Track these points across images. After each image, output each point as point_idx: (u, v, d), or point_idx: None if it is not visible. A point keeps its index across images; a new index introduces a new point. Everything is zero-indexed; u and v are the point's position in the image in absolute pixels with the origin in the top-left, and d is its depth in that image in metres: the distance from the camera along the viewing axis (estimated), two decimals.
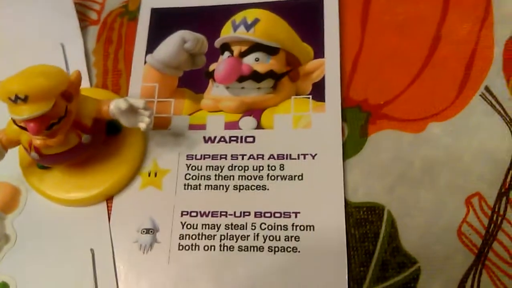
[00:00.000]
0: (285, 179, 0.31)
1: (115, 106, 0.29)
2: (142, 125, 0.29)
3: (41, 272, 0.30)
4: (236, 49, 0.35)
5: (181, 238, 0.31)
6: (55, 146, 0.28)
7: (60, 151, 0.29)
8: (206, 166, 0.32)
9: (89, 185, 0.31)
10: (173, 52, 0.35)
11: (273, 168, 0.32)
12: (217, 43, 0.35)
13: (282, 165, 0.32)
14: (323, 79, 0.34)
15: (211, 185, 0.32)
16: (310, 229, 0.30)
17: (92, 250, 0.31)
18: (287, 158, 0.32)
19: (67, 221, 0.31)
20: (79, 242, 0.31)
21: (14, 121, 0.27)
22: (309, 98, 0.33)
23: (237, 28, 0.35)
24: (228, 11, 0.36)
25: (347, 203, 0.31)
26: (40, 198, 0.32)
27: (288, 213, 0.31)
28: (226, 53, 0.35)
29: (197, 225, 0.31)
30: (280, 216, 0.31)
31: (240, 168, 0.32)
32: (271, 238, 0.30)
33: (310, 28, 0.35)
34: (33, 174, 0.32)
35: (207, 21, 0.36)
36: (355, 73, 0.34)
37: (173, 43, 0.35)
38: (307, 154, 0.32)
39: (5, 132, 0.29)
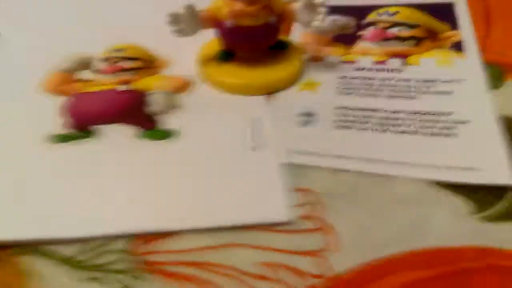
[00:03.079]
0: (434, 94, 0.33)
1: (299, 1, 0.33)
2: (316, 23, 0.33)
3: (202, 128, 0.31)
4: (380, 25, 0.40)
5: (336, 121, 0.32)
6: (250, 15, 0.31)
7: (251, 24, 0.32)
8: (358, 82, 0.34)
9: (255, 78, 0.34)
10: (325, 26, 0.40)
11: (421, 87, 0.34)
12: (364, 22, 0.40)
13: (429, 86, 0.34)
14: (460, 42, 0.37)
15: (363, 93, 0.34)
16: (465, 123, 0.31)
17: (253, 120, 0.31)
18: (435, 82, 0.34)
19: (231, 102, 0.33)
20: (241, 115, 0.32)
21: None
22: (449, 50, 0.37)
23: (381, 16, 0.41)
24: (374, 8, 0.42)
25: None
26: (208, 88, 0.34)
27: (440, 112, 0.32)
28: (372, 27, 0.40)
29: (351, 115, 0.32)
30: (432, 115, 0.31)
31: (389, 85, 0.34)
32: (423, 126, 0.31)
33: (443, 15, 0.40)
34: (210, 66, 0.35)
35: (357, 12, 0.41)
36: (487, 38, 0.38)
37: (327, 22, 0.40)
38: (454, 80, 0.34)
39: (208, 9, 0.33)
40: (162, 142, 0.30)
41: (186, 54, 0.36)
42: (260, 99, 0.33)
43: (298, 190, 0.27)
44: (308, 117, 0.32)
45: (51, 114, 0.32)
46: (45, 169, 0.29)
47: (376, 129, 0.31)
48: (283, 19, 0.34)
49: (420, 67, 0.35)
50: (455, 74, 0.34)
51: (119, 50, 0.37)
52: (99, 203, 0.27)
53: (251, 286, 0.23)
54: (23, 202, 0.27)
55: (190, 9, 0.32)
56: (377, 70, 0.36)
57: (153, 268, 0.24)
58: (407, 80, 0.34)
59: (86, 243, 0.25)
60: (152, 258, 0.24)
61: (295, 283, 0.23)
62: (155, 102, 0.33)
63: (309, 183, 0.28)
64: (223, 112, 0.32)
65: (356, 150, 0.29)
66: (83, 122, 0.32)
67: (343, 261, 0.24)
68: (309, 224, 0.25)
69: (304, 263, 0.24)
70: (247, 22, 0.32)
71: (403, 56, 0.37)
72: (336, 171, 0.28)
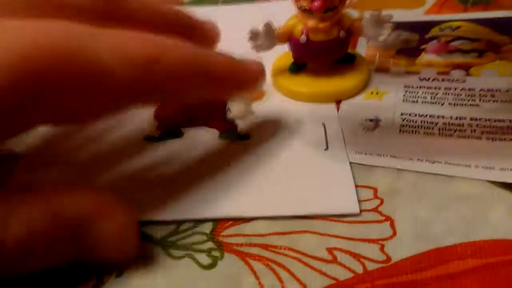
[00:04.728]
0: (497, 102, 0.34)
1: (367, 17, 0.35)
2: (382, 37, 0.35)
3: (275, 131, 0.34)
4: (443, 39, 0.41)
5: (402, 126, 0.33)
6: (322, 30, 0.34)
7: (323, 39, 0.35)
8: (422, 91, 0.36)
9: (324, 87, 0.36)
10: (389, 40, 0.42)
11: (485, 95, 0.35)
12: (427, 36, 0.42)
13: (493, 95, 0.35)
14: None
15: (428, 101, 0.35)
16: None
17: (323, 124, 0.34)
18: (497, 91, 0.35)
19: (301, 109, 0.36)
20: (312, 119, 0.35)
21: (299, 8, 0.34)
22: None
23: (443, 31, 0.42)
24: (436, 23, 0.44)
25: None
26: (280, 97, 0.37)
27: (503, 120, 0.33)
28: (435, 41, 0.42)
29: (416, 120, 0.34)
30: (496, 121, 0.33)
31: (453, 94, 0.35)
32: (489, 132, 0.32)
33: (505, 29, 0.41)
34: (283, 77, 0.38)
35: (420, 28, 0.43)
36: None
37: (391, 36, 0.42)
38: None
39: (283, 26, 0.36)
40: (238, 142, 0.34)
41: None
42: (329, 106, 0.36)
43: (363, 187, 0.29)
44: (375, 122, 0.34)
45: (147, 118, 0.36)
46: (143, 163, 0.33)
47: (440, 134, 0.32)
48: (351, 33, 0.36)
49: (482, 78, 0.37)
50: None
51: None
52: (186, 192, 0.30)
53: (315, 268, 0.25)
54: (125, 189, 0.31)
55: (268, 26, 0.35)
56: (441, 80, 0.37)
57: (230, 249, 0.27)
58: (471, 89, 0.36)
59: (177, 227, 0.28)
60: (230, 240, 0.27)
61: (356, 267, 0.25)
62: (233, 109, 0.37)
63: (373, 181, 0.30)
64: (294, 117, 0.35)
65: (419, 153, 0.31)
66: (172, 125, 0.36)
67: (402, 250, 0.25)
68: (371, 216, 0.27)
69: (366, 250, 0.26)
70: (319, 37, 0.35)
71: (466, 67, 0.38)
72: (399, 171, 0.30)
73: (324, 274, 0.25)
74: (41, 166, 0.33)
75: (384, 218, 0.27)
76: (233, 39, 0.37)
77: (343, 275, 0.25)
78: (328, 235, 0.27)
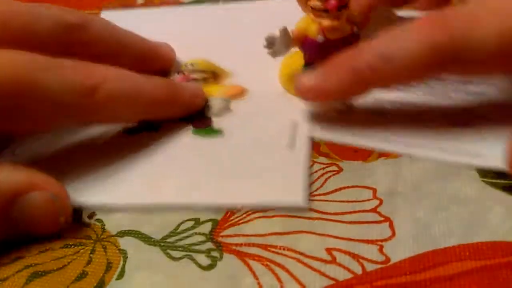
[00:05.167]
0: (468, 93, 0.35)
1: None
2: None
3: (247, 128, 0.35)
4: None
5: (372, 109, 0.35)
6: (338, 28, 0.34)
7: (338, 36, 0.34)
8: None
9: None
10: None
11: (459, 88, 0.36)
12: None
13: (466, 86, 0.36)
14: None
15: (402, 88, 0.36)
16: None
17: (295, 123, 0.35)
18: (471, 84, 0.36)
19: (278, 107, 0.37)
20: (286, 118, 0.35)
21: (313, 9, 0.34)
22: None
23: None
24: None
25: None
26: (263, 91, 0.38)
27: (467, 107, 0.34)
28: None
29: (384, 105, 0.35)
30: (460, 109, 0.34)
31: (429, 84, 0.36)
32: (450, 119, 0.33)
33: None
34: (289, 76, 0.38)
35: None
36: None
37: None
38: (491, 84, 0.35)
39: (296, 28, 0.35)
40: (211, 139, 0.34)
41: (246, 68, 0.40)
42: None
43: (363, 187, 0.30)
44: (347, 102, 0.35)
45: None
46: (123, 153, 0.34)
47: (405, 117, 0.34)
48: (360, 28, 0.37)
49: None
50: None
51: (192, 64, 0.42)
52: (163, 182, 0.32)
53: (315, 268, 0.26)
54: (112, 176, 0.32)
55: (285, 31, 0.35)
56: None
57: (230, 249, 0.27)
58: (450, 80, 0.36)
59: (176, 227, 0.28)
60: (229, 240, 0.27)
61: (355, 268, 0.25)
62: (212, 106, 0.37)
63: (373, 182, 0.30)
64: (269, 115, 0.36)
65: (382, 133, 0.33)
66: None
67: (401, 251, 0.26)
68: (371, 217, 0.28)
69: (365, 250, 0.26)
70: (336, 35, 0.35)
71: None
72: (399, 172, 0.30)
73: (323, 274, 0.25)
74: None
75: (383, 218, 0.28)
76: (234, 38, 0.37)
77: (342, 275, 0.25)
78: (327, 235, 0.27)
